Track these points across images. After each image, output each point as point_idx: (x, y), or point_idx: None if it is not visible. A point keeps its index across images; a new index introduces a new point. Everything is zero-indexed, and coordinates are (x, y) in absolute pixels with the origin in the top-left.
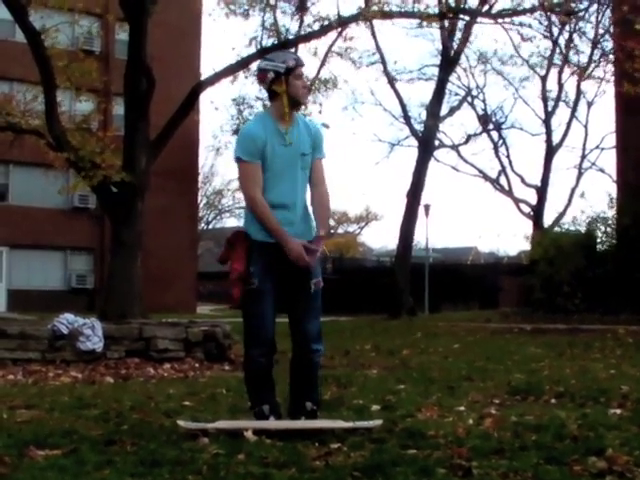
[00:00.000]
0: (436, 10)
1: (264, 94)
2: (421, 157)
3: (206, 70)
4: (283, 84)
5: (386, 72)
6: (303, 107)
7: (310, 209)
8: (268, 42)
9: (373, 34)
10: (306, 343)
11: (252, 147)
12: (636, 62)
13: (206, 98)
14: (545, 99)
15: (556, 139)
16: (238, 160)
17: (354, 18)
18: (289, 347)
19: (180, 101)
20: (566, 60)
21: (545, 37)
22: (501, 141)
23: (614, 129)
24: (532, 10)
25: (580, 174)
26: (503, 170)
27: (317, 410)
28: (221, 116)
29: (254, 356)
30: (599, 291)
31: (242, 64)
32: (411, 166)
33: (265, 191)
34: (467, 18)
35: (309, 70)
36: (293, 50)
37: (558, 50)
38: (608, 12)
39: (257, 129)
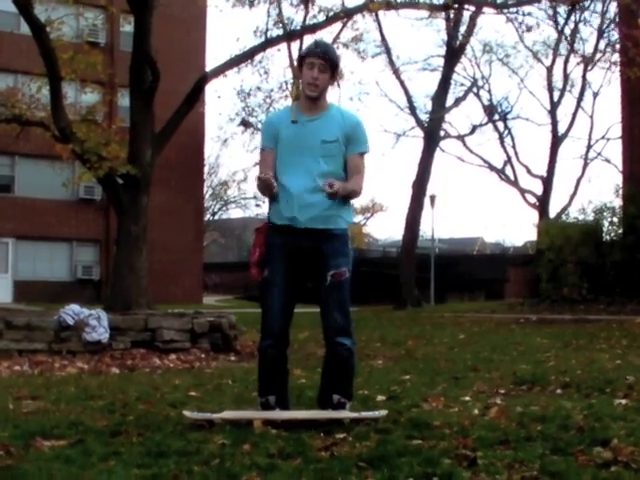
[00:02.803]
0: (441, 0)
1: (266, 85)
2: (427, 148)
3: (211, 62)
4: (300, 71)
5: (391, 63)
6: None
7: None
8: (274, 33)
9: (378, 25)
10: (329, 336)
11: (267, 133)
12: None
13: (212, 89)
14: (551, 89)
15: (562, 129)
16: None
17: (359, 9)
18: (293, 337)
19: (185, 93)
20: (572, 50)
21: (549, 24)
22: (507, 131)
23: (620, 119)
24: None
25: (586, 164)
26: (509, 160)
27: (346, 403)
28: (227, 107)
29: (263, 346)
30: (605, 281)
31: (247, 55)
32: (417, 157)
33: (277, 172)
34: (472, 9)
35: None
36: (298, 41)
37: (564, 40)
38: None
39: (274, 115)
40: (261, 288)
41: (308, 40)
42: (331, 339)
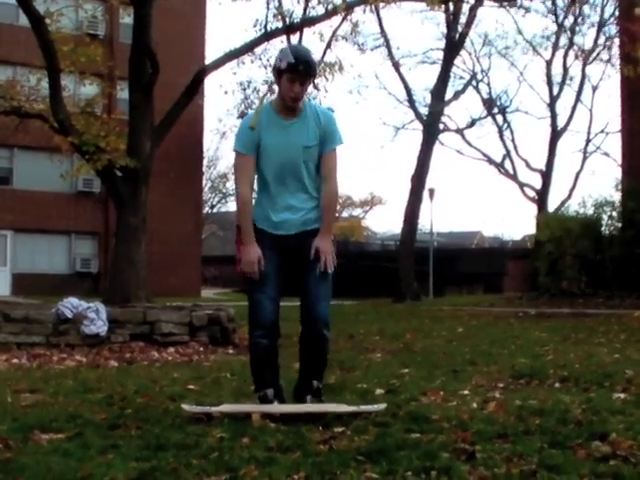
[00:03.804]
0: None
1: (271, 77)
2: (426, 141)
3: (210, 54)
4: (280, 80)
5: (390, 56)
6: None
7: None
8: (273, 26)
9: (378, 17)
10: (315, 327)
11: (246, 138)
12: (638, 45)
13: (211, 82)
14: (550, 83)
15: (561, 123)
16: (234, 151)
17: (359, 2)
18: (294, 331)
19: (184, 86)
20: (571, 43)
21: (545, 17)
22: (506, 125)
23: (619, 113)
24: None
25: (585, 158)
26: (508, 154)
27: (321, 388)
28: (227, 99)
29: (255, 338)
30: (604, 276)
31: (247, 48)
32: (416, 150)
33: (263, 178)
34: (472, 1)
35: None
36: (298, 34)
37: (563, 33)
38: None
39: (251, 120)
40: (249, 280)
41: (308, 33)
42: (316, 331)
